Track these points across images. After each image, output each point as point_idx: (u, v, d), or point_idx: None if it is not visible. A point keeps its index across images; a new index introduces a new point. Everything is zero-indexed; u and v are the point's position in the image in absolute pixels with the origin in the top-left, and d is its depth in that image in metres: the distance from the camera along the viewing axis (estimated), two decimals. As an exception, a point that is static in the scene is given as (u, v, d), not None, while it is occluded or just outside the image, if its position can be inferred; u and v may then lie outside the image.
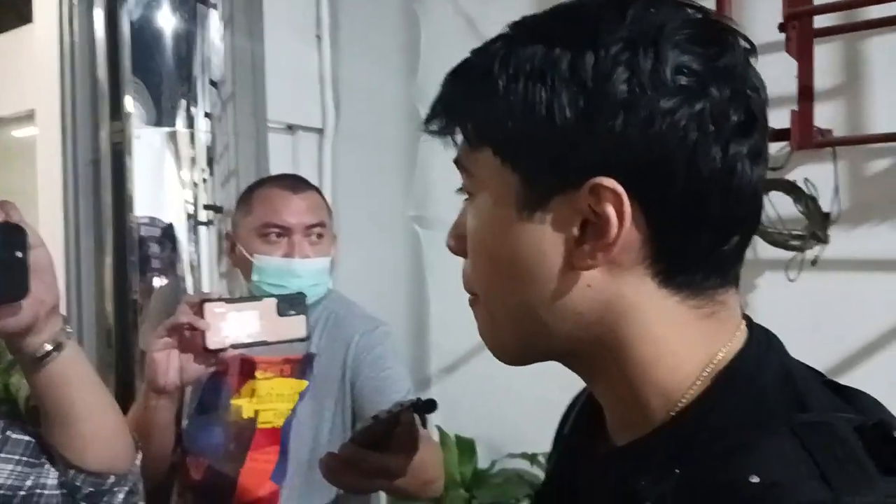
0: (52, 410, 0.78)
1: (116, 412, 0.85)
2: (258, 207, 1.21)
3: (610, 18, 0.43)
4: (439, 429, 2.20)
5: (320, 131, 2.52)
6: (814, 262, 1.59)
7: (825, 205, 1.57)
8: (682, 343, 0.45)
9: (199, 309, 1.00)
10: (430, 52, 2.28)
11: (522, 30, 0.46)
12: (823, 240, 1.57)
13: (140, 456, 0.88)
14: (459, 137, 0.49)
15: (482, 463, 2.17)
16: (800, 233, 1.58)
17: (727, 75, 0.42)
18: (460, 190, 0.51)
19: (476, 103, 0.46)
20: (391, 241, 2.41)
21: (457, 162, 0.49)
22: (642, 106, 0.41)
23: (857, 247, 1.60)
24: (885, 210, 1.58)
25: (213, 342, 0.99)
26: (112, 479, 0.82)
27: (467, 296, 0.52)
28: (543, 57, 0.43)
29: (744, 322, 0.47)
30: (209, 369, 1.04)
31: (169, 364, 1.00)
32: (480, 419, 2.22)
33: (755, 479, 0.37)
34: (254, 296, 1.14)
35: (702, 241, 0.43)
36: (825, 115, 1.60)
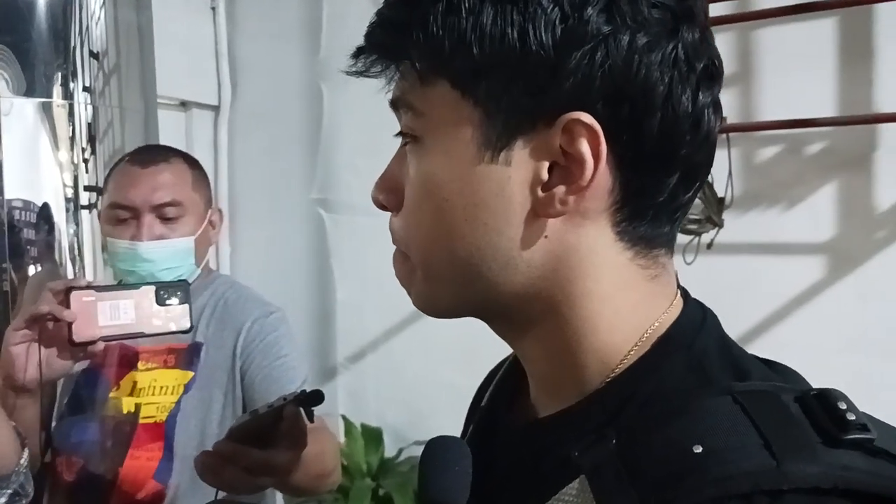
0: None
1: None
2: (110, 186, 1.13)
3: None
4: (344, 418, 2.15)
5: (216, 108, 2.39)
6: (710, 246, 1.63)
7: (720, 190, 1.61)
8: (625, 303, 0.43)
9: (64, 298, 0.91)
10: (333, 30, 2.20)
11: None
12: (719, 224, 1.61)
13: (26, 454, 0.79)
14: (393, 76, 0.45)
15: (389, 451, 2.13)
16: (696, 217, 1.61)
17: (695, 18, 0.42)
18: (399, 134, 0.46)
19: (432, 28, 0.41)
20: (294, 225, 2.32)
21: (396, 101, 0.45)
22: (621, 38, 0.39)
23: (748, 230, 1.65)
24: (774, 195, 1.64)
25: (79, 335, 0.90)
26: None
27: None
28: None
29: (680, 292, 0.47)
30: (77, 364, 0.95)
31: (28, 359, 0.91)
32: (387, 407, 2.18)
33: (698, 449, 0.36)
34: (130, 283, 1.05)
35: (670, 183, 0.42)
36: (720, 102, 1.65)
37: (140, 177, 1.11)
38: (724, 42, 1.67)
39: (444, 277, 0.45)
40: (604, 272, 0.43)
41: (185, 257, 1.13)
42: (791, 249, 1.63)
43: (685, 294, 0.48)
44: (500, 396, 0.55)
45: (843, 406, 0.37)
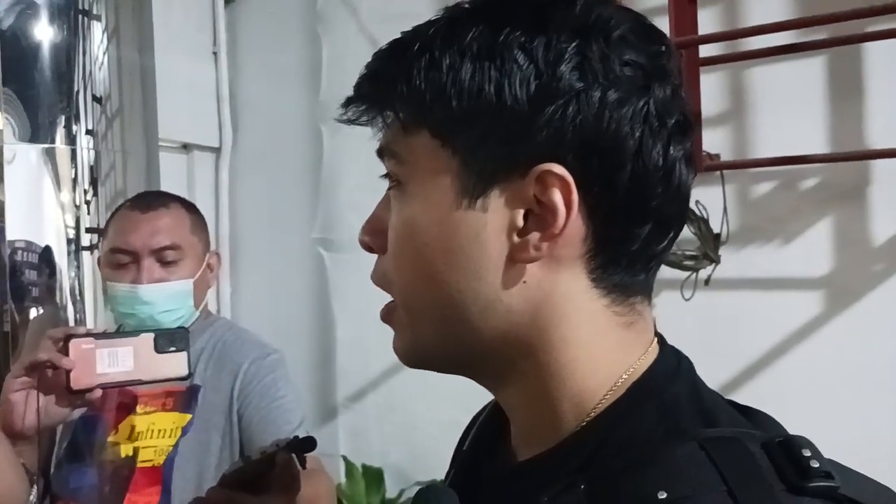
0: None
1: (4, 444, 0.75)
2: (110, 231, 1.15)
3: (561, 6, 0.42)
4: (345, 459, 2.13)
5: (217, 150, 2.42)
6: (707, 282, 1.64)
7: (715, 226, 1.63)
8: (601, 350, 0.44)
9: (63, 345, 0.92)
10: (333, 72, 2.24)
11: (465, 11, 0.44)
12: (715, 260, 1.62)
13: (35, 492, 0.79)
14: (380, 125, 0.46)
15: (390, 492, 2.11)
16: (693, 253, 1.62)
17: (667, 75, 0.43)
18: (384, 176, 0.48)
19: (415, 81, 0.43)
20: (295, 265, 2.34)
21: (381, 150, 0.47)
22: (593, 94, 0.40)
23: (745, 266, 1.66)
24: (770, 231, 1.65)
25: (78, 383, 0.91)
26: None
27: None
28: (492, 37, 0.41)
29: (656, 339, 0.47)
30: (75, 411, 0.95)
31: (27, 406, 0.91)
32: (388, 447, 2.16)
33: (663, 496, 0.37)
34: (129, 331, 1.06)
35: (641, 234, 0.43)
36: (713, 141, 1.67)
37: (140, 222, 1.13)
38: (716, 81, 1.70)
39: (426, 319, 0.46)
40: (580, 319, 0.44)
41: (184, 300, 1.14)
42: (788, 284, 1.64)
43: (661, 340, 0.48)
44: (482, 440, 0.55)
45: (807, 453, 0.38)
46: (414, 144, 0.44)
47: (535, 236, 0.42)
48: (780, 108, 1.64)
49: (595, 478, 0.40)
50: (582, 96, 0.40)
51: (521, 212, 0.42)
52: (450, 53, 0.42)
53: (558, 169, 0.41)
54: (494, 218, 0.42)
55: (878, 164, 1.54)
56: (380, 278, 0.48)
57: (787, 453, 0.38)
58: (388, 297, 0.49)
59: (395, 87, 0.44)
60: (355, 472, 2.10)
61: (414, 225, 0.45)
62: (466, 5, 0.45)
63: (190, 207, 1.22)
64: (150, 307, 1.10)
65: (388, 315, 0.49)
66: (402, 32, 0.46)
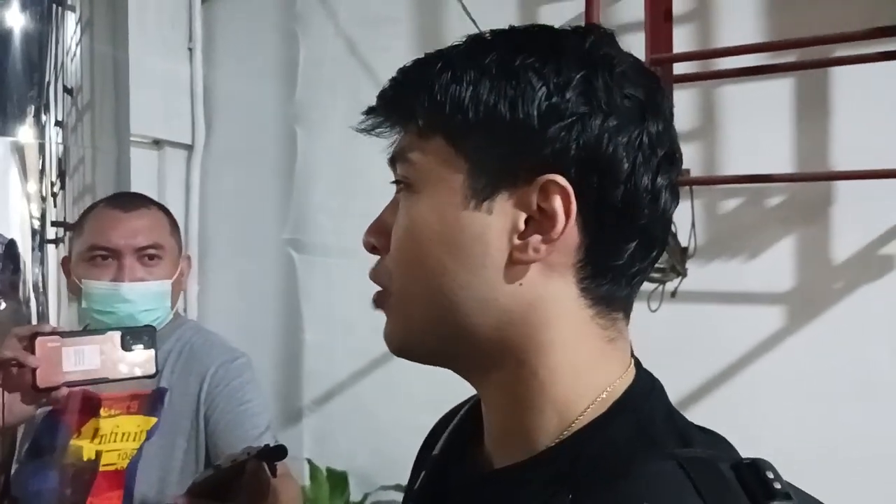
0: None
1: None
2: (87, 229, 1.13)
3: (573, 39, 0.48)
4: (310, 462, 2.12)
5: (189, 148, 2.40)
6: (673, 294, 1.67)
7: (683, 240, 1.66)
8: (583, 359, 0.47)
9: (29, 343, 0.90)
10: (309, 73, 2.24)
11: (486, 37, 0.49)
12: (682, 273, 1.65)
13: None
14: (396, 133, 0.50)
15: (354, 496, 2.11)
16: (661, 266, 1.65)
17: (660, 111, 0.48)
18: (395, 182, 0.51)
19: (436, 92, 0.47)
20: (264, 266, 2.32)
21: (396, 156, 0.50)
22: (595, 119, 0.45)
23: (711, 280, 1.69)
24: (735, 246, 1.69)
25: (44, 381, 0.89)
26: None
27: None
28: (510, 60, 0.46)
29: (633, 361, 0.51)
30: (39, 409, 0.94)
31: None
32: (353, 451, 2.16)
33: None
34: (96, 329, 1.05)
35: (628, 250, 0.47)
36: (683, 156, 1.69)
37: (122, 220, 1.12)
38: (688, 99, 1.73)
39: (422, 307, 0.48)
40: (567, 324, 0.47)
41: (162, 300, 1.14)
42: (752, 298, 1.68)
43: (637, 363, 0.51)
44: (454, 445, 0.57)
45: (770, 475, 0.42)
46: (428, 149, 0.48)
47: (535, 239, 0.45)
48: (749, 126, 1.68)
49: (580, 488, 0.43)
50: (586, 119, 0.45)
51: (524, 216, 0.46)
52: (470, 71, 0.47)
53: (561, 180, 0.45)
54: (498, 220, 0.46)
55: (841, 185, 1.59)
56: (378, 275, 0.51)
57: (754, 475, 0.42)
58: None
59: (417, 96, 0.48)
60: (319, 476, 2.09)
61: (422, 221, 0.48)
62: (488, 34, 0.50)
63: (166, 210, 1.22)
64: (131, 305, 1.09)
65: (380, 300, 0.51)
66: (426, 53, 0.50)
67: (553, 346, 0.47)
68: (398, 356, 0.51)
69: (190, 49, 2.39)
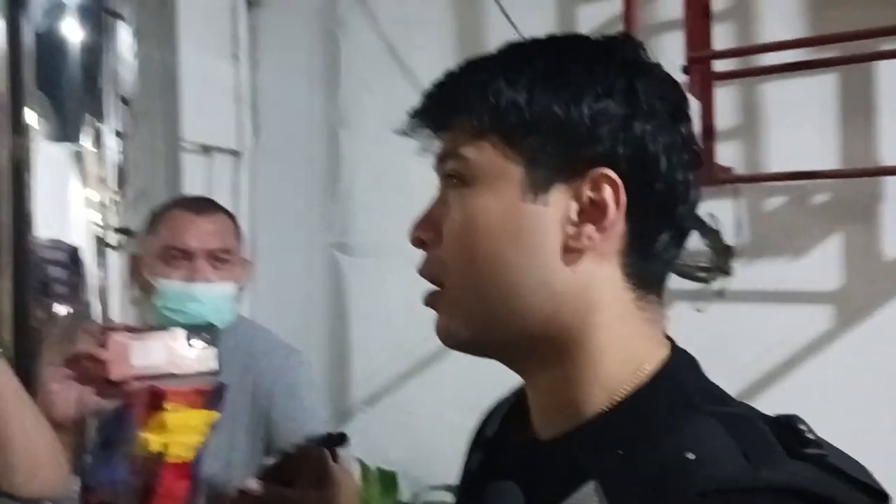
0: None
1: (48, 432, 0.79)
2: (162, 229, 1.18)
3: (614, 46, 0.53)
4: (360, 462, 2.15)
5: (237, 153, 2.46)
6: (720, 294, 1.67)
7: (728, 239, 1.66)
8: (626, 338, 0.52)
9: (101, 338, 0.95)
10: (351, 76, 2.28)
11: (532, 44, 0.54)
12: (728, 272, 1.65)
13: (77, 480, 0.83)
14: (444, 133, 0.53)
15: (404, 496, 2.13)
16: (706, 265, 1.65)
17: (687, 114, 0.53)
18: (445, 178, 0.54)
19: (489, 95, 0.51)
20: (311, 268, 2.37)
21: (447, 153, 0.53)
22: (638, 120, 0.50)
23: (756, 279, 1.69)
24: (781, 244, 1.68)
25: (115, 374, 0.94)
26: None
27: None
28: (560, 65, 0.51)
29: (667, 341, 0.55)
30: (110, 402, 0.99)
31: (67, 396, 0.95)
32: (402, 451, 2.18)
33: (691, 456, 0.44)
34: (161, 326, 1.10)
35: (664, 238, 0.52)
36: (726, 154, 1.70)
37: (196, 223, 1.18)
38: (729, 96, 1.72)
39: (481, 298, 0.51)
40: (613, 307, 0.51)
41: (229, 301, 1.19)
42: (799, 298, 1.67)
43: (673, 343, 0.56)
44: (505, 426, 0.61)
45: (803, 427, 0.46)
46: (483, 146, 0.51)
47: (589, 228, 0.50)
48: (793, 123, 1.66)
49: (628, 444, 0.47)
50: (630, 120, 0.50)
51: (576, 207, 0.50)
52: (523, 75, 0.51)
53: (611, 173, 0.49)
54: (554, 211, 0.50)
55: (889, 181, 1.57)
56: (430, 269, 0.54)
57: (787, 427, 0.46)
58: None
59: (470, 98, 0.52)
60: (370, 475, 2.12)
61: (481, 213, 0.51)
62: (530, 40, 0.54)
63: (232, 215, 1.27)
64: (201, 305, 1.14)
65: (433, 299, 0.54)
66: (467, 59, 0.54)
67: (601, 327, 0.51)
68: (454, 349, 0.54)
69: (235, 55, 2.46)
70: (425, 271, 0.55)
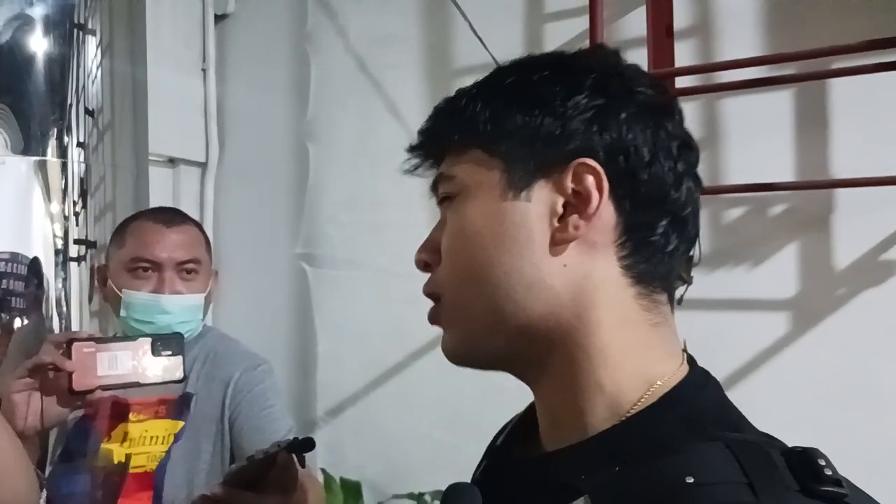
0: None
1: (15, 442, 0.78)
2: (129, 240, 1.18)
3: (581, 55, 0.55)
4: (324, 472, 2.15)
5: (203, 165, 2.45)
6: (679, 302, 1.70)
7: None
8: (630, 340, 0.50)
9: (65, 348, 0.95)
10: (320, 91, 2.29)
11: (501, 68, 0.55)
12: (688, 280, 1.68)
13: (45, 495, 0.82)
14: (432, 168, 0.56)
15: (368, 505, 2.13)
16: (667, 274, 1.68)
17: (671, 109, 0.53)
18: (440, 202, 0.56)
19: (468, 115, 0.53)
20: (277, 279, 2.36)
21: (439, 178, 0.55)
22: (613, 110, 0.50)
23: (716, 287, 1.73)
24: (739, 253, 1.72)
25: (79, 384, 0.94)
26: None
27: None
28: (528, 78, 0.52)
29: (686, 357, 0.53)
30: (74, 412, 0.98)
31: (29, 407, 0.94)
32: (366, 461, 2.19)
33: (690, 480, 0.41)
34: (127, 336, 1.10)
35: (661, 226, 0.50)
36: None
37: (165, 234, 1.17)
38: (691, 111, 1.77)
39: (476, 310, 0.51)
40: (613, 304, 0.50)
41: (197, 312, 1.18)
42: (756, 305, 1.71)
43: (692, 360, 0.54)
44: (514, 436, 0.61)
45: (822, 462, 0.42)
46: (466, 160, 0.53)
47: (574, 218, 0.49)
48: (751, 137, 1.72)
49: (626, 462, 0.45)
50: (605, 110, 0.50)
51: (561, 200, 0.50)
52: (496, 91, 0.53)
53: (591, 161, 0.49)
54: (537, 206, 0.50)
55: (842, 193, 1.63)
56: (431, 287, 0.55)
57: (805, 461, 0.42)
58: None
59: (452, 121, 0.54)
60: (334, 485, 2.12)
61: (466, 220, 0.52)
62: (507, 63, 0.56)
63: (200, 226, 1.27)
64: (170, 317, 1.14)
65: (435, 316, 0.55)
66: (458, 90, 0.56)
67: (601, 325, 0.49)
68: (459, 365, 0.54)
69: (203, 69, 2.46)
70: (426, 290, 0.55)
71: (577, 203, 0.49)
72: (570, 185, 0.49)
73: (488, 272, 0.50)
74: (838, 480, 0.41)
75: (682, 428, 0.46)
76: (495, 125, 0.51)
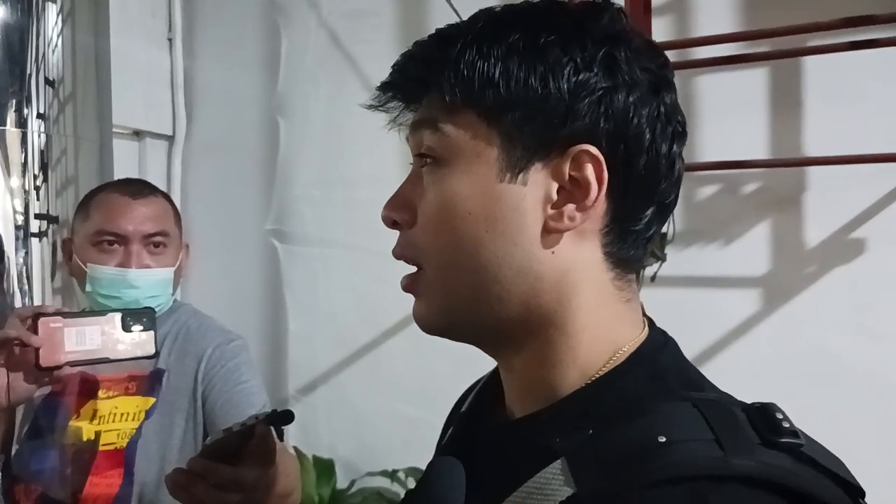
0: None
1: None
2: (95, 213, 1.13)
3: (592, 16, 0.50)
4: (297, 450, 2.13)
5: (170, 138, 2.39)
6: (653, 279, 1.71)
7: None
8: (605, 319, 0.50)
9: (31, 323, 0.91)
10: (291, 64, 2.24)
11: (505, 14, 0.50)
12: (662, 258, 1.70)
13: None
14: (413, 107, 0.51)
15: (341, 483, 2.13)
16: (641, 251, 1.69)
17: (670, 84, 0.51)
18: (419, 156, 0.52)
19: (462, 68, 0.48)
20: (247, 256, 2.33)
21: (421, 122, 0.51)
22: (620, 92, 0.47)
23: (689, 265, 1.74)
24: (712, 232, 1.74)
25: (46, 360, 0.91)
26: None
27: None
28: (535, 37, 0.47)
29: (646, 320, 0.54)
30: (42, 389, 0.95)
31: None
32: (338, 439, 2.18)
33: (662, 439, 0.43)
34: (97, 310, 1.06)
35: (646, 214, 0.50)
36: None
37: (131, 207, 1.13)
38: (666, 87, 1.77)
39: (461, 283, 0.50)
40: (592, 288, 0.50)
41: (166, 286, 1.15)
42: (728, 283, 1.73)
43: (650, 322, 0.55)
44: (479, 404, 0.60)
45: (780, 416, 0.45)
46: (459, 123, 0.49)
47: (570, 208, 0.48)
48: (725, 115, 1.73)
49: (600, 423, 0.46)
50: (612, 93, 0.47)
51: (556, 185, 0.48)
52: (496, 48, 0.48)
53: (593, 149, 0.47)
54: (533, 191, 0.48)
55: (814, 172, 1.65)
56: (404, 250, 0.52)
57: (764, 415, 0.45)
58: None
59: (442, 72, 0.49)
60: (306, 464, 2.11)
61: (456, 196, 0.49)
62: (500, 9, 0.50)
63: (170, 199, 1.23)
64: (137, 291, 1.10)
65: (411, 284, 0.53)
66: (437, 29, 0.51)
67: (580, 309, 0.49)
68: (433, 334, 0.53)
69: (170, 39, 2.39)
70: (400, 252, 0.53)
71: (572, 190, 0.48)
72: (567, 171, 0.47)
73: (477, 254, 0.48)
74: (795, 432, 0.44)
75: (650, 388, 0.48)
76: (496, 92, 0.47)
